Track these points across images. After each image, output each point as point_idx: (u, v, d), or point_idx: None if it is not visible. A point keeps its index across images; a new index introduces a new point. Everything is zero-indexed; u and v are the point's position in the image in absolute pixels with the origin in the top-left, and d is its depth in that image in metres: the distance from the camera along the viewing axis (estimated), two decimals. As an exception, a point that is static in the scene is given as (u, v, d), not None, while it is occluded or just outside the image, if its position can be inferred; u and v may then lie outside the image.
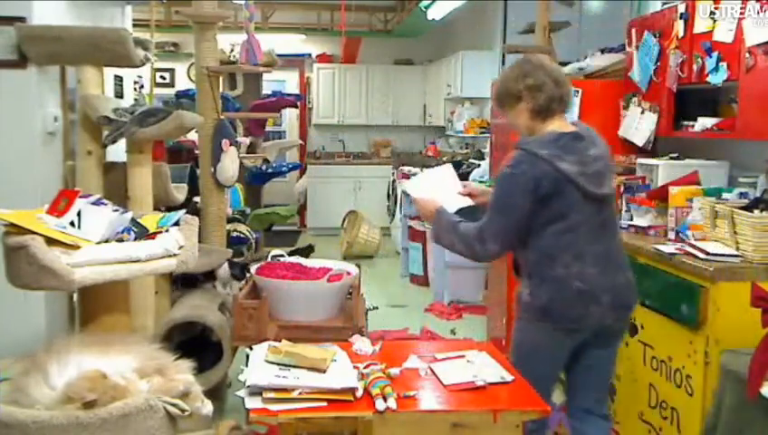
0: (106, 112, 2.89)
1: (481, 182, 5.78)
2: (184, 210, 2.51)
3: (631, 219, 3.30)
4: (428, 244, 6.19)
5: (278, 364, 2.04)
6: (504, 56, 6.46)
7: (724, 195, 3.00)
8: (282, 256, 3.40)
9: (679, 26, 3.33)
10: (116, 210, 2.27)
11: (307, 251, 7.21)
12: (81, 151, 3.02)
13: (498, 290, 4.50)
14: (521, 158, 2.27)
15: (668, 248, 2.82)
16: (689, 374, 2.67)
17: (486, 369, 2.15)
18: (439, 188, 2.53)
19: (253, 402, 1.91)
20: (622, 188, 3.40)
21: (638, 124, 3.74)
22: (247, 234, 4.24)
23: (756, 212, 2.60)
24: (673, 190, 3.09)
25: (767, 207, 2.65)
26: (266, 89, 6.54)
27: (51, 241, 2.03)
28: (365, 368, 2.06)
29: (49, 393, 1.72)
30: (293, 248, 7.23)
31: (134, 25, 4.26)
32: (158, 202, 3.18)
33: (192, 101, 4.23)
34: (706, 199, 2.90)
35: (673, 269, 2.76)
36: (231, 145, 3.65)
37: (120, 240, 2.19)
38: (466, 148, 7.87)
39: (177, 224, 2.34)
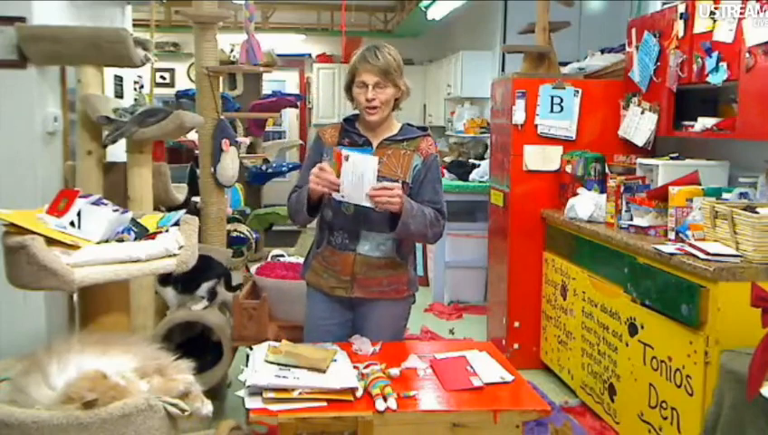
0: (106, 112, 2.89)
1: (481, 183, 5.78)
2: (184, 210, 2.51)
3: (631, 219, 3.30)
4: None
5: (278, 364, 2.04)
6: (503, 56, 6.45)
7: (724, 195, 3.00)
8: (282, 256, 3.40)
9: (679, 26, 3.33)
10: (116, 210, 2.26)
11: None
12: (81, 151, 3.03)
13: (498, 290, 4.49)
14: None
15: (668, 248, 2.82)
16: (689, 374, 2.67)
17: (486, 369, 2.15)
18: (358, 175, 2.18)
19: (253, 402, 1.91)
20: (622, 188, 3.40)
21: (638, 124, 3.74)
22: (247, 234, 4.24)
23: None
24: (673, 190, 3.09)
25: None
26: (266, 89, 6.54)
27: (51, 241, 2.03)
28: (365, 368, 2.06)
29: (49, 393, 1.71)
30: None
31: (134, 25, 4.26)
32: (158, 202, 3.18)
33: (192, 101, 4.23)
34: (706, 199, 2.90)
35: (673, 269, 2.76)
36: (231, 145, 3.64)
37: (120, 240, 2.19)
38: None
39: (177, 224, 2.34)
